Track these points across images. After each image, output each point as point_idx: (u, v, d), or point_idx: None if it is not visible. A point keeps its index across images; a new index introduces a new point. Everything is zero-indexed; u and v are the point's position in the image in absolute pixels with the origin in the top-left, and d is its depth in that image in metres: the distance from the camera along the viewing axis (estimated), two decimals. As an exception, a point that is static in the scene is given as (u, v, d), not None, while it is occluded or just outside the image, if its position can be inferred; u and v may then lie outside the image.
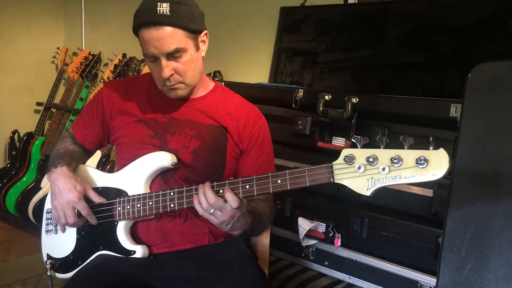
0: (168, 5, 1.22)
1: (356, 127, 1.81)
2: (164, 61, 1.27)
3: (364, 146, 1.03)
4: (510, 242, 1.19)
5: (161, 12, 1.22)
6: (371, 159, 1.01)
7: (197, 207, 1.20)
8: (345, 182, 1.05)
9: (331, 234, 1.76)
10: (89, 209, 1.37)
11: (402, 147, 0.99)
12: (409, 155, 0.98)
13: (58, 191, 1.37)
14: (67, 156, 1.46)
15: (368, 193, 1.02)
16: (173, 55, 1.27)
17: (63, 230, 1.45)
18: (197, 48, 1.33)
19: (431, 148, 0.96)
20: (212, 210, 1.18)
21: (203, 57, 1.38)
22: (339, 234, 1.76)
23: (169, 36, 1.24)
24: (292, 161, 1.96)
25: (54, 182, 1.39)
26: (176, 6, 1.24)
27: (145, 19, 1.24)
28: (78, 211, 1.37)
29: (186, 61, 1.30)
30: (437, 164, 0.95)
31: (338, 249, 1.77)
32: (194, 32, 1.29)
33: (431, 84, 2.02)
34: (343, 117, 1.81)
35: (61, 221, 1.39)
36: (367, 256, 1.70)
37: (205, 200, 1.18)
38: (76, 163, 1.47)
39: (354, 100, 1.80)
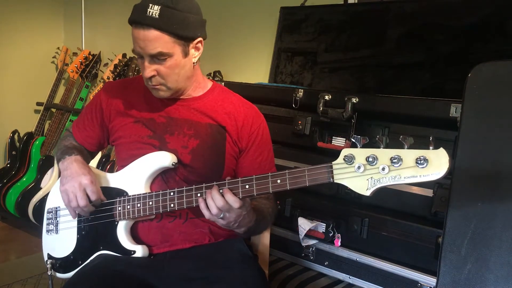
0: (159, 8, 1.22)
1: (356, 127, 1.82)
2: (146, 62, 1.29)
3: (364, 146, 1.03)
4: (510, 242, 1.19)
5: (150, 14, 1.22)
6: (370, 159, 1.01)
7: (205, 211, 1.20)
8: (344, 182, 1.05)
9: (331, 234, 1.76)
10: (99, 195, 1.36)
11: (402, 147, 0.99)
12: (409, 155, 0.97)
13: (71, 174, 1.36)
14: (78, 149, 1.48)
15: (367, 193, 1.02)
16: (157, 58, 1.27)
17: (74, 216, 1.42)
18: (186, 54, 1.32)
19: (431, 147, 0.96)
20: (221, 215, 1.19)
21: (194, 63, 1.37)
22: (339, 234, 1.76)
23: (154, 39, 1.24)
24: (292, 161, 1.96)
25: (68, 167, 1.39)
26: (168, 10, 1.23)
27: (135, 17, 1.25)
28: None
29: (170, 65, 1.29)
30: (437, 164, 0.95)
31: (338, 249, 1.77)
32: (183, 38, 1.28)
33: (431, 84, 2.02)
34: (343, 117, 1.81)
35: (72, 204, 1.36)
36: (367, 256, 1.70)
37: (213, 204, 1.18)
38: (85, 159, 1.48)
39: (354, 100, 1.80)
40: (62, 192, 1.38)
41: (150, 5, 1.22)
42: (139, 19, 1.24)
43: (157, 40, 1.24)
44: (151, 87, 1.34)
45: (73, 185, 1.35)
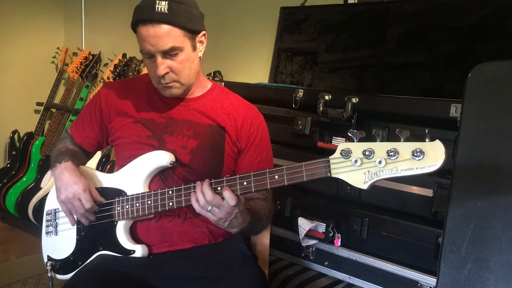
0: (166, 3, 1.23)
1: (356, 127, 1.81)
2: (159, 59, 1.28)
3: (361, 140, 1.03)
4: (510, 241, 1.19)
5: (159, 10, 1.23)
6: (367, 153, 1.01)
7: (194, 205, 1.20)
8: (342, 176, 1.05)
9: (331, 234, 1.76)
10: (93, 203, 1.36)
11: (398, 141, 0.99)
12: (405, 148, 0.97)
13: (63, 184, 1.37)
14: (70, 153, 1.47)
15: (365, 186, 1.02)
16: (169, 53, 1.28)
17: (74, 223, 1.44)
18: (194, 48, 1.33)
19: (427, 140, 0.96)
20: (209, 208, 1.18)
21: (200, 57, 1.38)
22: (339, 234, 1.76)
23: (166, 34, 1.25)
24: (292, 161, 1.95)
25: (59, 177, 1.39)
26: (175, 5, 1.24)
27: (143, 16, 1.25)
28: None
29: (182, 60, 1.30)
30: (433, 155, 0.95)
31: (338, 249, 1.77)
32: (191, 32, 1.30)
33: (431, 84, 2.02)
34: (343, 117, 1.81)
35: (72, 214, 1.39)
36: (367, 256, 1.70)
37: (202, 197, 1.18)
38: (78, 162, 1.47)
39: (354, 100, 1.79)
40: (60, 203, 1.40)
41: (157, 1, 1.23)
42: (147, 17, 1.24)
43: (169, 34, 1.25)
44: (163, 86, 1.34)
45: (67, 196, 1.36)
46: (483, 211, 1.23)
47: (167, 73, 1.30)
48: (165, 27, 1.24)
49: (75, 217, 1.42)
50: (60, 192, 1.37)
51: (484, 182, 1.25)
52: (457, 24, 1.97)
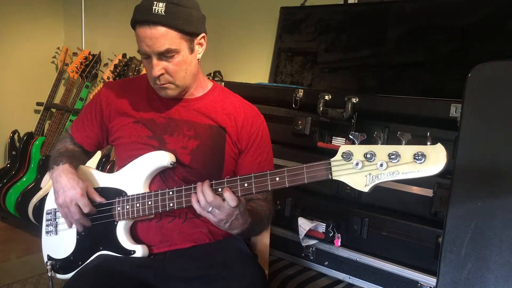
0: (164, 5, 1.23)
1: (356, 127, 1.81)
2: (155, 60, 1.28)
3: (362, 143, 1.03)
4: (510, 241, 1.19)
5: (156, 11, 1.23)
6: (368, 155, 1.01)
7: (195, 205, 1.20)
8: (343, 179, 1.05)
9: (331, 234, 1.76)
10: (91, 207, 1.36)
11: (400, 143, 0.99)
12: (406, 151, 0.97)
13: (61, 188, 1.37)
14: (68, 155, 1.47)
15: (366, 189, 1.02)
16: (164, 55, 1.28)
17: (70, 226, 1.44)
18: (192, 50, 1.33)
19: (428, 143, 0.96)
20: (210, 209, 1.18)
21: (199, 59, 1.37)
22: (339, 234, 1.76)
23: (162, 36, 1.25)
24: (292, 161, 1.96)
25: (57, 180, 1.38)
26: (173, 7, 1.24)
27: (140, 16, 1.25)
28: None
29: (178, 62, 1.30)
30: (434, 159, 0.95)
31: (338, 249, 1.77)
32: (189, 34, 1.29)
33: (431, 84, 2.02)
34: (343, 117, 1.81)
35: (68, 218, 1.39)
36: (367, 256, 1.70)
37: (203, 198, 1.18)
38: (77, 163, 1.47)
39: (354, 100, 1.80)
40: (57, 206, 1.40)
41: (155, 2, 1.23)
42: (145, 18, 1.24)
43: (164, 36, 1.25)
44: (158, 86, 1.34)
45: (64, 200, 1.36)
46: (483, 211, 1.23)
47: (162, 74, 1.30)
48: (161, 29, 1.24)
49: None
50: (58, 195, 1.37)
51: (484, 182, 1.25)
52: (457, 24, 1.97)
